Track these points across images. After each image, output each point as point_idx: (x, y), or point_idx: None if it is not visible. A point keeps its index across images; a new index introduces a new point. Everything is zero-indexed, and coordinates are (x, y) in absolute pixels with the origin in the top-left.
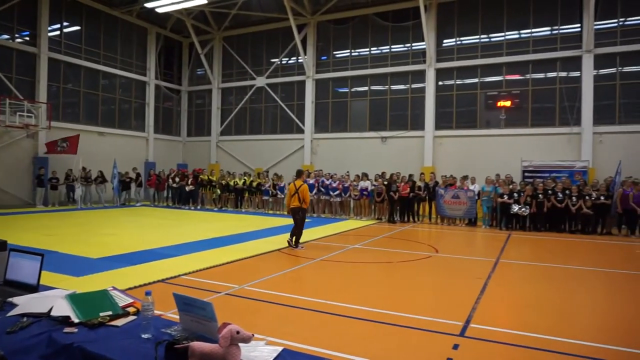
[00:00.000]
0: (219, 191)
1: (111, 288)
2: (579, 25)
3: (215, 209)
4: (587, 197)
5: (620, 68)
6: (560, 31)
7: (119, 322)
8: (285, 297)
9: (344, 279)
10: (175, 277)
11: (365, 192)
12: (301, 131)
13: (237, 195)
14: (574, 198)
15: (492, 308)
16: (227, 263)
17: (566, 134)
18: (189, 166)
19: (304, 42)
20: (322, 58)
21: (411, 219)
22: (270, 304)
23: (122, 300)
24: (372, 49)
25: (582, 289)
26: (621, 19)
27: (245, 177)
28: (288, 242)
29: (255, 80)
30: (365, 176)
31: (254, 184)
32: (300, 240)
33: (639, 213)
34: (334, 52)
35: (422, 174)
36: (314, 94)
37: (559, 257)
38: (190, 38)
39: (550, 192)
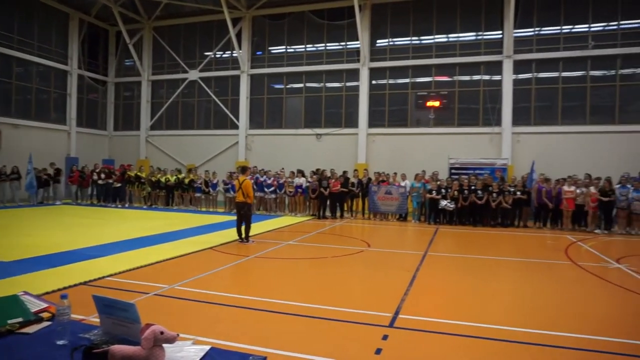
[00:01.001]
0: (149, 188)
1: (22, 293)
2: (500, 32)
3: (145, 206)
4: (506, 193)
5: (535, 74)
6: (484, 37)
7: (31, 329)
8: (218, 295)
9: (277, 275)
10: (99, 279)
11: (300, 189)
12: (235, 127)
13: (168, 193)
14: (494, 194)
15: (420, 299)
16: (157, 263)
17: (488, 134)
18: (115, 162)
19: (238, 36)
20: (258, 53)
21: (344, 214)
22: (202, 303)
23: (34, 305)
24: (307, 46)
25: (502, 277)
26: (537, 28)
27: (177, 174)
28: (239, 236)
29: (188, 74)
30: (300, 173)
31: (186, 180)
32: (234, 237)
33: (549, 207)
34: (270, 48)
35: (355, 170)
36: (248, 89)
37: (481, 249)
38: (118, 26)
39: (473, 187)
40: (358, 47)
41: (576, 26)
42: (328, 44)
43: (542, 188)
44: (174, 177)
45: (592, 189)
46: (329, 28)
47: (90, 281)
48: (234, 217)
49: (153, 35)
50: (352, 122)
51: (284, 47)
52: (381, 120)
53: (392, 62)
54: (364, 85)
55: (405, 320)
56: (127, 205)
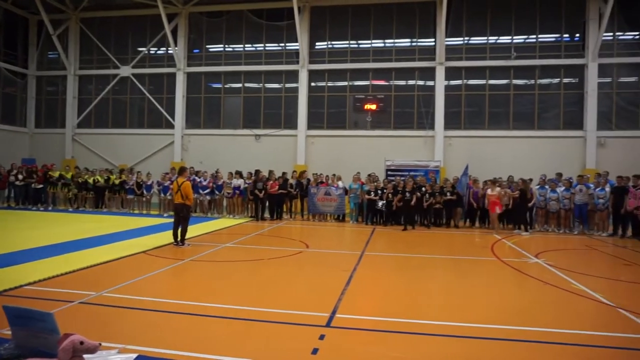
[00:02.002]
0: (75, 190)
1: None
2: (433, 40)
3: (71, 209)
4: (437, 194)
5: (465, 80)
6: (418, 44)
7: None
8: (149, 301)
9: (213, 278)
10: (15, 288)
11: (238, 190)
12: (171, 126)
13: (97, 195)
14: (427, 195)
15: (356, 298)
16: (84, 269)
17: (422, 137)
18: (37, 161)
19: (174, 32)
20: (195, 51)
21: (283, 216)
22: (132, 310)
23: None
24: (246, 45)
25: (435, 274)
26: (466, 38)
27: (108, 174)
28: (175, 239)
29: (120, 70)
30: (238, 174)
31: (116, 181)
32: (169, 240)
33: (475, 207)
34: (207, 46)
35: (294, 171)
36: (185, 87)
37: (415, 248)
38: (39, 15)
39: (406, 189)
40: (297, 49)
41: (501, 37)
42: (267, 45)
43: (471, 189)
44: (104, 177)
45: (490, 190)
46: (268, 28)
47: (4, 291)
48: (168, 220)
49: (80, 27)
50: (292, 123)
51: (222, 45)
52: (320, 122)
53: (330, 64)
54: (303, 86)
55: (342, 319)
56: (50, 208)
